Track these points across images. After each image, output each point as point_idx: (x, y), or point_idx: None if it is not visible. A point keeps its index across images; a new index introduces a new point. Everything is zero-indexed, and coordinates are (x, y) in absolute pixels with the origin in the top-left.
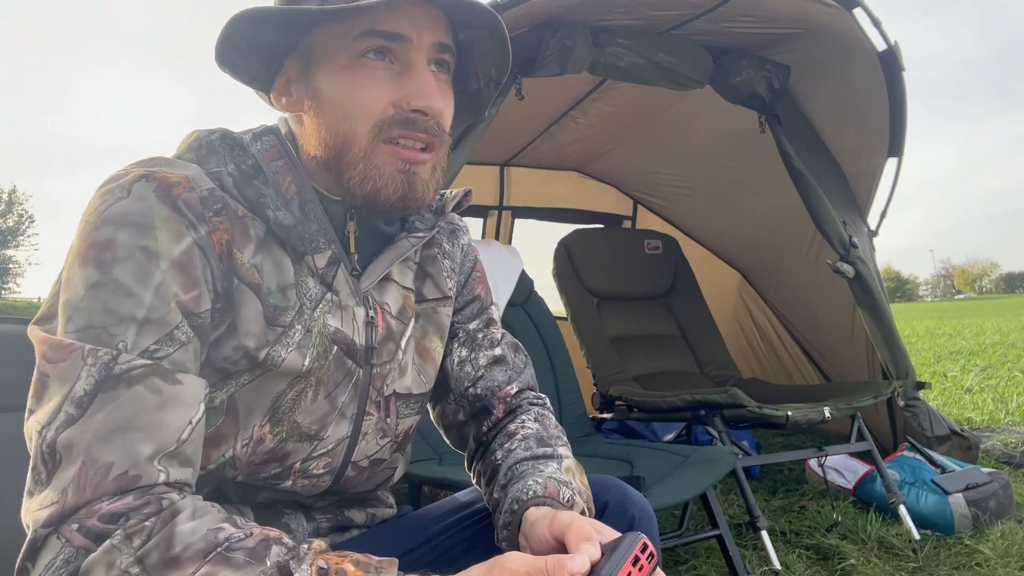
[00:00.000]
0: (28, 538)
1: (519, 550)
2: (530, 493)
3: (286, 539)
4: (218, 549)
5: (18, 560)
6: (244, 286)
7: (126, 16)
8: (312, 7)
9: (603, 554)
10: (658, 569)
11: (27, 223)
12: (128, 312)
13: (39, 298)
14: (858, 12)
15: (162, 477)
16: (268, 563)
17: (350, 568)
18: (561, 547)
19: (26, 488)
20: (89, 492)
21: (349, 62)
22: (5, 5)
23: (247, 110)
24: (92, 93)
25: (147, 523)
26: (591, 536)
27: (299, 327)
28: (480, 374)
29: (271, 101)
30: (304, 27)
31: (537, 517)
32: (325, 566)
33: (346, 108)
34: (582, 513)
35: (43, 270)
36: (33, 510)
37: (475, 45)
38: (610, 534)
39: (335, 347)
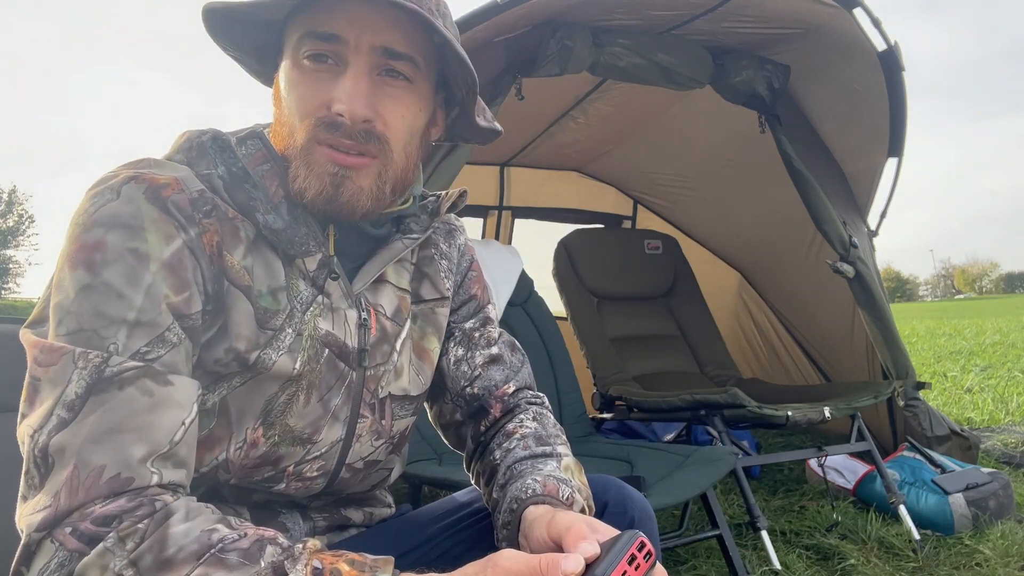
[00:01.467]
0: (22, 542)
1: (518, 549)
2: (529, 492)
3: (281, 539)
4: (212, 550)
5: (13, 564)
6: (235, 288)
7: (127, 15)
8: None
9: (600, 552)
10: (658, 565)
11: (27, 223)
12: (119, 314)
13: (39, 298)
14: (858, 12)
15: (155, 479)
16: (262, 564)
17: (345, 568)
18: (559, 549)
19: (20, 492)
20: (82, 495)
21: (296, 62)
22: (5, 4)
23: (248, 110)
24: (92, 92)
25: (140, 525)
26: (588, 537)
27: (289, 330)
28: (477, 373)
29: None
30: (278, 26)
31: (536, 516)
32: (320, 566)
33: (290, 106)
34: (582, 511)
35: (43, 270)
36: (27, 514)
37: (447, 52)
38: (608, 532)
39: (326, 350)
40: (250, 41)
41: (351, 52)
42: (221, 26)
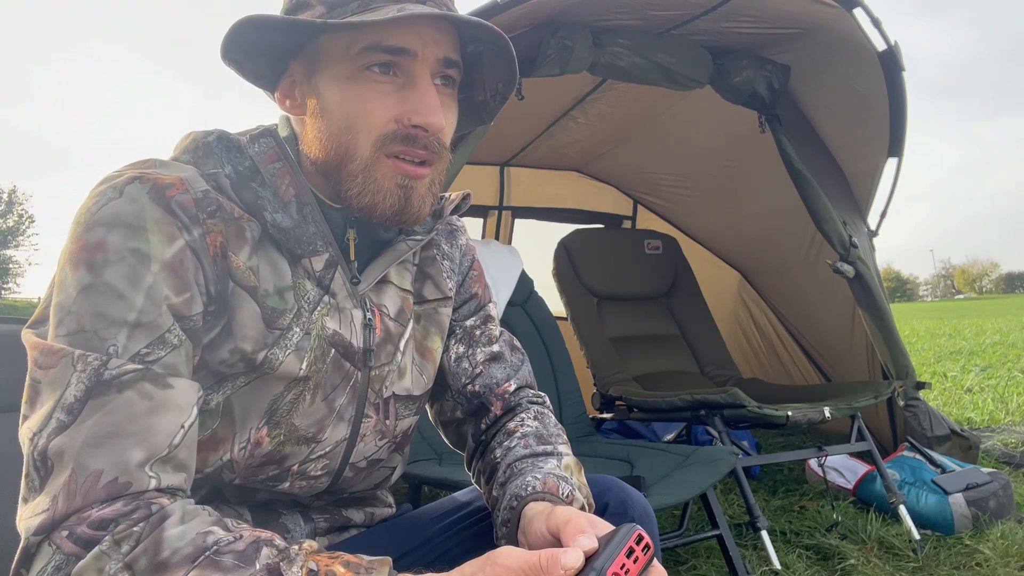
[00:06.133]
0: (21, 545)
1: (517, 547)
2: (529, 489)
3: (278, 540)
4: (207, 553)
5: (12, 566)
6: (240, 289)
7: (127, 12)
8: (316, 20)
9: (599, 546)
10: (655, 561)
11: (27, 223)
12: (119, 315)
13: (39, 298)
14: (858, 12)
15: (153, 483)
16: (258, 566)
17: (340, 569)
18: (558, 543)
19: (20, 494)
20: (79, 500)
21: (353, 73)
22: (4, 3)
23: (249, 110)
24: (93, 91)
25: (135, 528)
26: (586, 530)
27: (297, 329)
28: (478, 371)
29: (276, 100)
30: (311, 31)
31: (535, 512)
32: (315, 568)
33: (348, 120)
34: (582, 508)
35: (43, 270)
36: (26, 517)
37: (484, 58)
38: (605, 528)
39: (332, 350)
40: (270, 44)
41: (418, 64)
42: (249, 33)
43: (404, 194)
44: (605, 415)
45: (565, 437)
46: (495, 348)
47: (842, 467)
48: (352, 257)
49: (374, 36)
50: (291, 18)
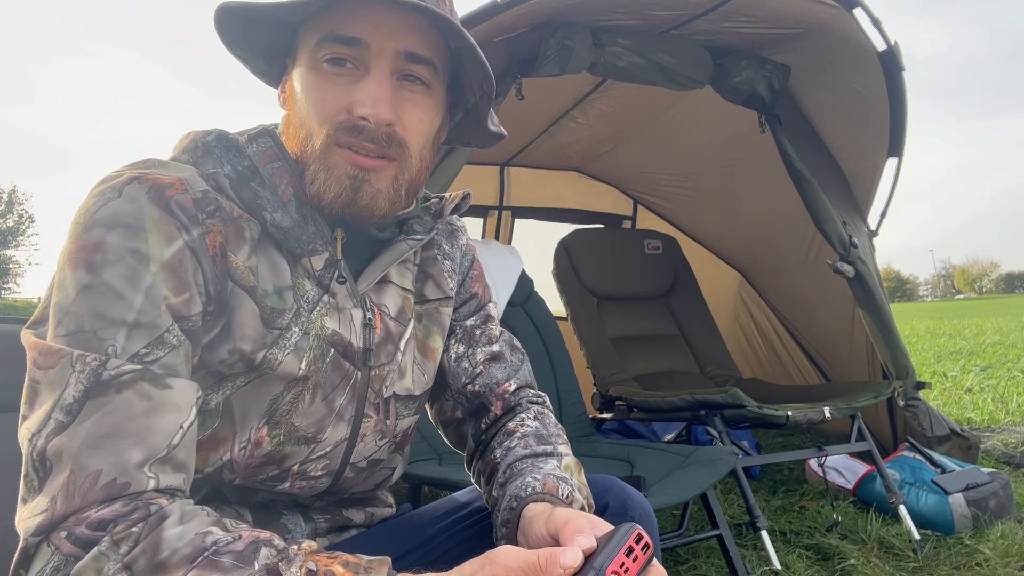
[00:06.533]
0: (20, 546)
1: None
2: (528, 490)
3: (277, 540)
4: (205, 553)
5: (12, 567)
6: (239, 289)
7: (127, 12)
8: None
9: (598, 546)
10: (654, 560)
11: (27, 223)
12: (118, 316)
13: (39, 298)
14: (858, 12)
15: (152, 484)
16: (256, 566)
17: (339, 570)
18: (558, 544)
19: (20, 495)
20: (78, 500)
21: (314, 64)
22: (4, 3)
23: (248, 110)
24: (93, 91)
25: (134, 529)
26: (585, 530)
27: (296, 329)
28: (478, 371)
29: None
30: (291, 27)
31: (535, 513)
32: (314, 568)
33: (307, 110)
34: (582, 509)
35: (43, 270)
36: (25, 518)
37: (464, 56)
38: (605, 528)
39: (332, 350)
40: (261, 41)
41: (373, 56)
42: (233, 26)
43: (353, 185)
44: (605, 415)
45: (565, 437)
46: (495, 348)
47: (842, 467)
48: (339, 255)
49: (330, 26)
50: (250, 1)
